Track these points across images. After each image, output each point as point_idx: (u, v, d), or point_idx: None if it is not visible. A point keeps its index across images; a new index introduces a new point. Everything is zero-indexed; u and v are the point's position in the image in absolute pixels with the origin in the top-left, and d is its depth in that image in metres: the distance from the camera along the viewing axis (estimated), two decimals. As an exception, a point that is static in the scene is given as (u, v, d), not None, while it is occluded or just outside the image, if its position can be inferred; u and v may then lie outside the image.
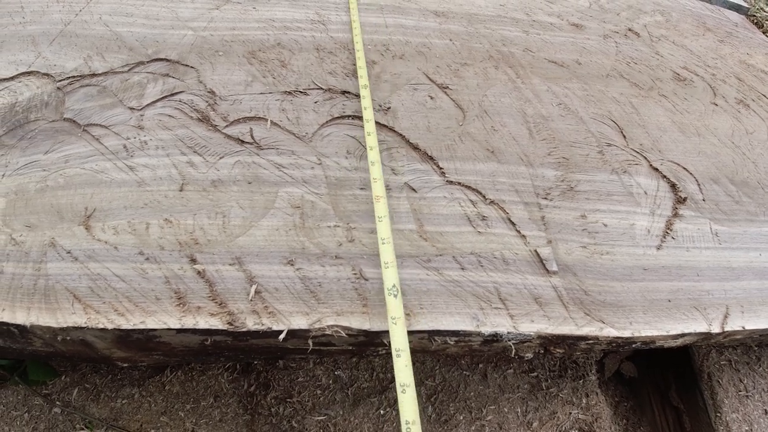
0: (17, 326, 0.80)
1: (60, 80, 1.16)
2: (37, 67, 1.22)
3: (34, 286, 0.83)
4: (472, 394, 1.10)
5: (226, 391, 1.10)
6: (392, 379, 1.12)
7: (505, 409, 1.08)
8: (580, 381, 1.17)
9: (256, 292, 0.82)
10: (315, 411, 1.04)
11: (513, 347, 0.89)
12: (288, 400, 1.06)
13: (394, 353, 0.75)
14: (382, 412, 1.05)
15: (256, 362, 1.14)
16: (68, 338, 0.81)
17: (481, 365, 1.16)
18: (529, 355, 0.96)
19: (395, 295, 0.79)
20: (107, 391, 1.11)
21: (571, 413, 1.10)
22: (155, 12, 1.32)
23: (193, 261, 0.85)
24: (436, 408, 1.09)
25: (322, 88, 1.12)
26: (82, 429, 1.07)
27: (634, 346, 0.98)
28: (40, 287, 0.82)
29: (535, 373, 1.17)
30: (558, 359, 1.21)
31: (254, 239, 0.88)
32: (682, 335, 0.97)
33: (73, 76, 1.17)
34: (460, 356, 1.20)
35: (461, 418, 1.06)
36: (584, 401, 1.14)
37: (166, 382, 1.11)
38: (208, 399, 1.08)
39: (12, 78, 1.20)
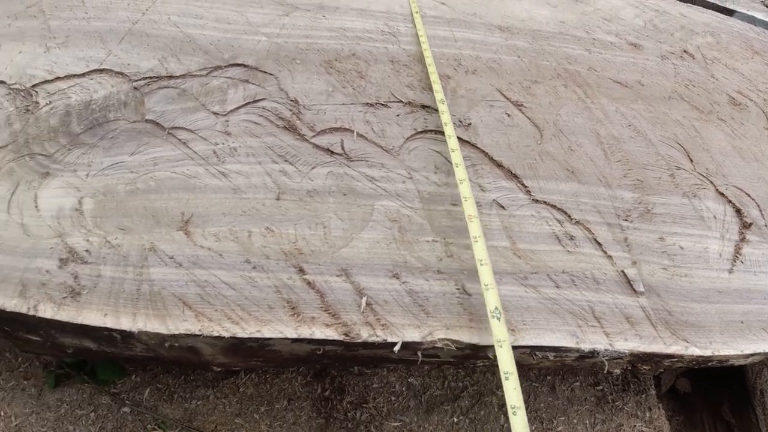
0: (121, 332, 0.83)
1: (136, 80, 1.20)
2: (109, 65, 1.25)
3: (137, 291, 0.86)
4: (542, 405, 1.15)
5: (299, 394, 1.14)
6: (464, 388, 1.17)
7: (575, 421, 1.14)
8: (642, 395, 1.23)
9: (367, 304, 0.86)
10: (390, 417, 1.08)
11: (606, 363, 0.94)
12: (364, 405, 1.11)
13: (502, 376, 0.79)
14: (455, 419, 1.10)
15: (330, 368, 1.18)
16: (176, 345, 0.84)
17: (549, 377, 1.22)
18: (618, 371, 1.02)
19: (498, 318, 0.83)
20: (181, 392, 1.14)
21: (635, 426, 1.17)
22: (225, 15, 1.36)
23: (302, 271, 0.89)
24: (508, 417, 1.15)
25: (402, 102, 1.17)
26: (154, 429, 1.10)
27: (710, 363, 1.04)
28: (144, 292, 0.86)
29: (601, 387, 1.23)
30: (620, 373, 1.27)
31: (357, 251, 0.92)
32: (753, 354, 1.04)
33: (150, 77, 1.21)
34: (543, 369, 1.25)
35: (533, 428, 1.11)
36: (647, 415, 1.20)
37: (240, 384, 1.15)
38: (282, 402, 1.11)
39: (83, 75, 1.23)
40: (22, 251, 0.93)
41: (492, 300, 0.85)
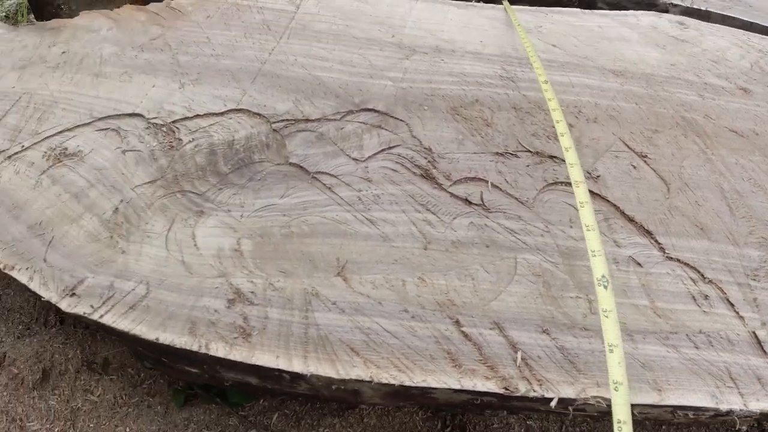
0: (292, 373, 0.90)
1: (274, 122, 1.28)
2: (246, 105, 1.33)
3: (305, 335, 0.93)
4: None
5: (420, 428, 1.20)
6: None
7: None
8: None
9: (522, 358, 0.91)
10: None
11: (737, 421, 0.97)
12: (483, 444, 1.16)
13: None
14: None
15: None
16: (342, 387, 0.91)
17: (663, 426, 1.25)
18: (744, 428, 1.05)
19: (605, 286, 0.87)
20: (308, 419, 1.21)
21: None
22: (349, 58, 1.43)
23: (457, 323, 0.94)
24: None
25: (530, 151, 1.22)
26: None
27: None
28: (312, 336, 0.93)
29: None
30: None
31: (507, 305, 0.97)
32: None
33: (287, 119, 1.28)
34: (674, 425, 1.28)
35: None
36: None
37: (364, 415, 1.21)
38: (404, 435, 1.17)
39: (222, 114, 1.32)
40: (187, 289, 1.01)
41: (600, 268, 0.88)
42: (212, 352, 0.92)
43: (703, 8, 1.80)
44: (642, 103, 1.41)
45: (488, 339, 0.93)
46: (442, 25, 1.54)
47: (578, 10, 1.63)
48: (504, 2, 1.65)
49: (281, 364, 0.89)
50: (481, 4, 1.62)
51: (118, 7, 1.78)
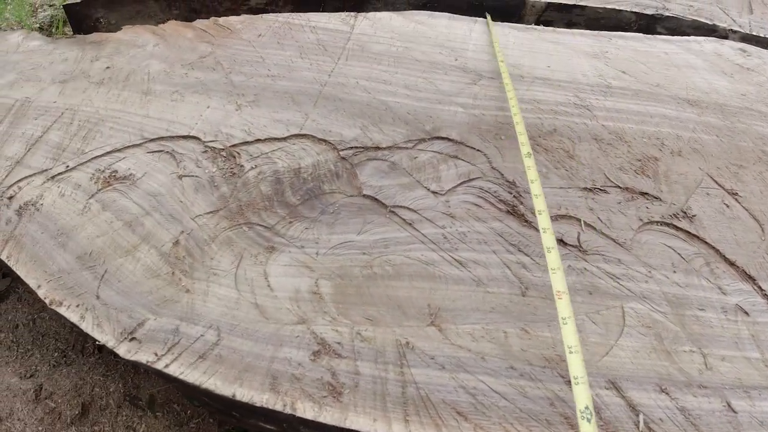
0: (391, 437, 0.78)
1: (342, 149, 1.17)
2: (310, 130, 1.22)
3: (403, 394, 0.81)
4: None
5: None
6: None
7: None
8: None
9: (645, 423, 0.80)
10: None
11: None
12: None
13: None
14: None
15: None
16: (446, 455, 0.79)
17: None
18: None
19: (588, 420, 0.70)
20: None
21: None
22: (413, 82, 1.33)
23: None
24: None
25: (619, 187, 1.12)
26: None
27: None
28: (411, 396, 0.81)
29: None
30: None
31: (620, 361, 0.86)
32: None
33: (356, 147, 1.18)
34: None
35: None
36: None
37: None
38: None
39: (285, 139, 1.21)
40: (264, 337, 0.90)
41: (582, 397, 0.72)
42: (299, 413, 0.80)
43: (762, 35, 1.71)
44: (722, 135, 1.32)
45: (606, 401, 0.82)
46: (505, 48, 1.44)
47: (641, 35, 1.54)
48: (487, 17, 1.54)
49: (379, 429, 0.78)
50: (541, 27, 1.53)
51: (163, 23, 1.67)
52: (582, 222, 1.05)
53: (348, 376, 0.84)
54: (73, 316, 1.00)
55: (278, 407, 0.81)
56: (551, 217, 1.05)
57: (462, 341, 0.87)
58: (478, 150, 1.17)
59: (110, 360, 1.41)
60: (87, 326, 0.97)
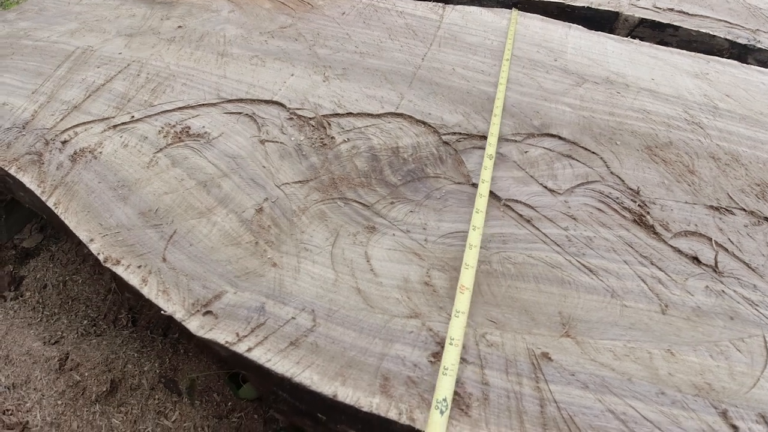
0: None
1: (444, 134, 1.01)
2: (406, 110, 1.07)
3: (541, 414, 0.64)
4: None
5: None
6: None
7: None
8: None
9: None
10: None
11: None
12: None
13: None
14: None
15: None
16: (591, 494, 0.62)
17: None
18: None
19: (442, 412, 0.62)
20: None
21: None
22: (514, 76, 1.18)
23: (724, 414, 0.67)
24: None
25: (744, 210, 0.97)
26: None
27: None
28: (551, 417, 0.64)
29: None
30: None
31: (767, 393, 0.70)
32: None
33: (459, 133, 1.02)
34: None
35: None
36: None
37: None
38: None
39: (379, 116, 1.05)
40: (370, 328, 0.72)
41: (445, 388, 0.64)
42: (418, 425, 0.62)
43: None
44: (831, 172, 1.18)
45: None
46: (605, 56, 1.31)
47: (736, 62, 1.42)
48: (513, 11, 1.42)
49: (517, 452, 0.61)
50: (637, 41, 1.40)
51: (240, -11, 1.51)
52: (713, 242, 0.90)
53: (476, 387, 0.67)
54: (133, 279, 0.81)
55: (392, 415, 0.64)
56: (681, 232, 0.90)
57: (603, 358, 0.71)
58: (593, 152, 1.01)
59: (146, 335, 1.22)
60: (150, 292, 0.79)
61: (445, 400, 0.63)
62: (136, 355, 1.16)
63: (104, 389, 1.11)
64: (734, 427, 0.67)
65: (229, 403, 1.12)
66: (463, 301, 0.73)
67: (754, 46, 1.45)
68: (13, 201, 1.46)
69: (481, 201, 0.86)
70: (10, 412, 1.09)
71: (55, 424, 1.07)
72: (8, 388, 1.11)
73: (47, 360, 1.14)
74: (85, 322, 1.25)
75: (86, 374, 1.12)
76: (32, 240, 1.44)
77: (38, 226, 1.47)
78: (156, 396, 1.13)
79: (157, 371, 1.15)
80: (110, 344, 1.18)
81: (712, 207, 0.96)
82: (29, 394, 1.11)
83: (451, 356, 0.67)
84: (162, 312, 0.76)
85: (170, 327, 1.25)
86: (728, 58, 1.49)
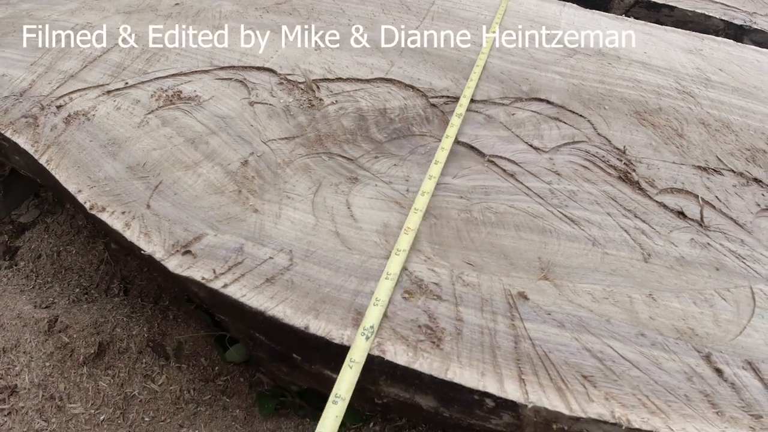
0: (502, 401, 0.60)
1: (432, 97, 1.01)
2: (396, 75, 1.07)
3: (515, 350, 0.64)
4: None
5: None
6: None
7: None
8: None
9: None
10: None
11: None
12: None
13: (331, 398, 0.59)
14: None
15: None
16: (565, 428, 0.60)
17: None
18: None
19: (367, 337, 0.64)
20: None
21: None
22: (505, 47, 1.18)
23: (708, 358, 0.65)
24: None
25: (733, 171, 0.96)
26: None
27: None
28: (525, 352, 0.63)
29: None
30: None
31: (755, 342, 0.69)
32: None
33: (447, 96, 1.02)
34: None
35: None
36: None
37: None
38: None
39: (368, 81, 1.06)
40: (346, 267, 0.72)
41: (372, 318, 0.65)
42: (389, 357, 0.62)
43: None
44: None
45: (744, 381, 0.65)
46: (597, 31, 1.31)
47: (731, 41, 1.41)
48: None
49: (489, 386, 0.60)
50: (632, 19, 1.40)
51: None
52: (700, 198, 0.89)
53: (449, 322, 0.66)
54: (116, 224, 0.82)
55: (363, 346, 0.63)
56: (666, 189, 0.89)
57: (582, 300, 0.70)
58: (580, 115, 1.01)
59: (137, 303, 1.22)
60: (132, 235, 0.79)
61: (372, 327, 0.65)
62: (125, 319, 1.17)
63: (92, 351, 1.11)
64: (718, 370, 0.66)
65: (216, 367, 1.12)
66: (405, 241, 0.74)
67: (750, 26, 1.45)
68: (11, 178, 1.48)
69: (441, 154, 0.87)
70: None
71: (43, 385, 1.07)
72: (-1, 354, 1.12)
73: (37, 322, 1.14)
74: (77, 290, 1.26)
75: (75, 336, 1.12)
76: (29, 215, 1.46)
77: (35, 203, 1.48)
78: (143, 360, 1.13)
79: (146, 335, 1.15)
80: (100, 309, 1.18)
81: (699, 167, 0.95)
82: (18, 358, 1.12)
83: (384, 289, 0.68)
84: (141, 252, 0.77)
85: (161, 296, 1.25)
86: (724, 38, 1.49)
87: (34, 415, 1.02)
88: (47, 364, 1.09)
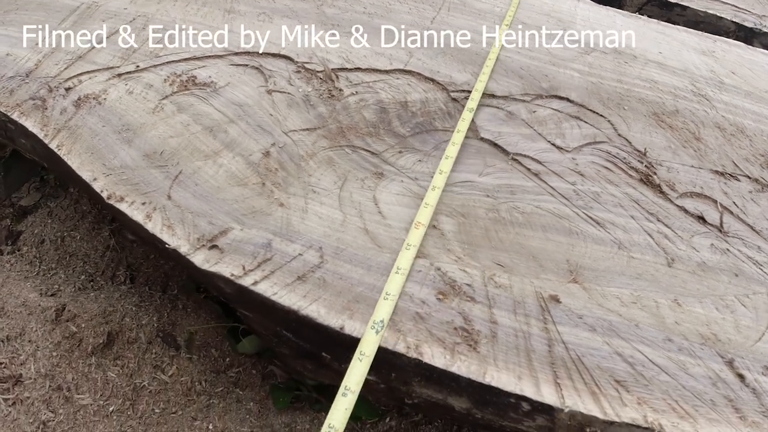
0: (539, 404, 0.61)
1: (453, 91, 1.00)
2: (415, 67, 1.06)
3: (549, 353, 0.64)
4: None
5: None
6: None
7: None
8: None
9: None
10: None
11: None
12: None
13: (341, 391, 0.61)
14: None
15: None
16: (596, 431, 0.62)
17: None
18: None
19: (377, 331, 0.64)
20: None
21: None
22: (521, 41, 1.17)
23: (730, 363, 0.67)
24: None
25: (748, 177, 0.97)
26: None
27: None
28: (559, 356, 0.64)
29: None
30: None
31: None
32: None
33: (468, 91, 1.01)
34: None
35: None
36: None
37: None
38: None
39: (387, 72, 1.04)
40: (377, 266, 0.72)
41: (383, 311, 0.66)
42: (426, 359, 0.62)
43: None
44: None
45: (765, 387, 0.67)
46: (612, 29, 1.31)
47: (742, 43, 1.42)
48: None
49: (526, 389, 0.60)
50: (645, 17, 1.40)
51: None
52: (718, 203, 0.90)
53: (483, 324, 0.66)
54: (137, 215, 0.80)
55: (400, 349, 0.63)
56: (686, 192, 0.90)
57: (611, 304, 0.71)
58: (601, 115, 1.01)
59: (144, 291, 1.20)
60: (155, 227, 0.77)
61: (381, 321, 0.65)
62: (134, 309, 1.15)
63: (101, 341, 1.09)
64: (741, 376, 0.67)
65: (227, 359, 1.11)
66: (416, 236, 0.74)
67: (760, 30, 1.46)
68: (12, 159, 1.43)
69: (452, 149, 0.87)
70: (3, 365, 1.07)
71: (50, 375, 1.06)
72: (2, 341, 1.09)
73: (43, 311, 1.12)
74: (83, 277, 1.23)
75: (83, 326, 1.10)
76: (30, 198, 1.42)
77: (36, 185, 1.44)
78: (153, 350, 1.11)
79: (155, 325, 1.13)
80: (108, 298, 1.16)
81: (717, 172, 0.96)
82: (23, 347, 1.10)
83: (394, 283, 0.69)
84: (166, 246, 0.75)
85: (169, 284, 1.24)
86: (734, 40, 1.50)
87: (41, 406, 1.01)
88: (54, 353, 1.07)
